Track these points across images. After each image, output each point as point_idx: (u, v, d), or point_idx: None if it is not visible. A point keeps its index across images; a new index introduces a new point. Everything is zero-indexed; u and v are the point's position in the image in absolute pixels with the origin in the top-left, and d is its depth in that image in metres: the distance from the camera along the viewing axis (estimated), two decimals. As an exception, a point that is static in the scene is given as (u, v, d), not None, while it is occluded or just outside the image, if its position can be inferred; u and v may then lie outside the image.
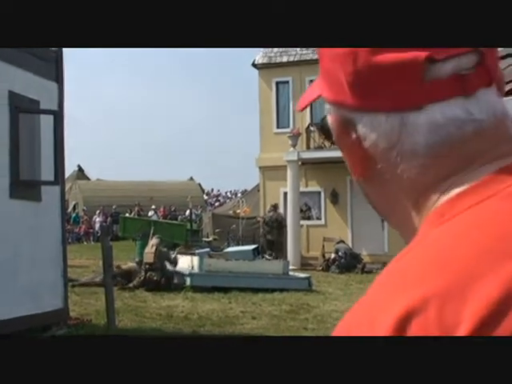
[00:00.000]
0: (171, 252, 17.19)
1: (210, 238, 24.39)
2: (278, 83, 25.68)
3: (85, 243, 35.01)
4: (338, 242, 22.37)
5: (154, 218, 33.78)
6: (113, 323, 10.59)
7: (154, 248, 15.58)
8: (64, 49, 10.72)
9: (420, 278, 0.72)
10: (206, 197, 50.51)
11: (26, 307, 9.38)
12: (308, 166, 24.08)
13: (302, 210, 24.06)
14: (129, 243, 26.65)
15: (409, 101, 0.81)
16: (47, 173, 9.83)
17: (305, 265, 22.49)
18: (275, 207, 23.37)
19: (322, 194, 24.75)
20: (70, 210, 38.17)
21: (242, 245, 21.37)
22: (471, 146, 0.81)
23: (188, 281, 15.75)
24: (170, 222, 31.55)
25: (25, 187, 9.64)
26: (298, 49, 24.45)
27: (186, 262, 16.45)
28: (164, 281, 15.42)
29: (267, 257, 20.08)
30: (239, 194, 46.09)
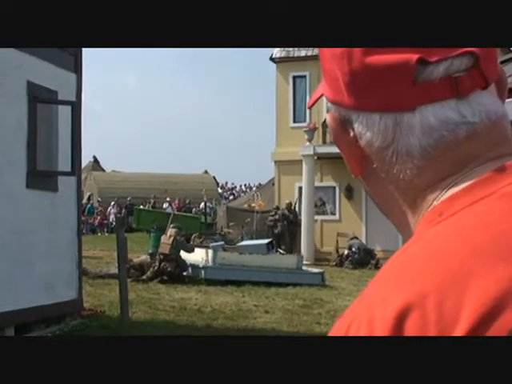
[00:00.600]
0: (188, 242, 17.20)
1: (224, 232, 24.39)
2: (295, 77, 25.62)
3: (99, 234, 35.13)
4: (351, 238, 22.37)
5: (169, 210, 33.81)
6: (126, 315, 10.63)
7: (172, 239, 15.59)
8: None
9: (418, 274, 0.74)
10: (220, 190, 50.55)
11: (42, 297, 9.43)
12: (323, 161, 24.02)
13: (316, 205, 24.03)
14: (143, 235, 26.73)
15: (401, 102, 0.82)
16: (64, 163, 9.86)
17: (318, 260, 22.47)
18: (289, 205, 23.53)
19: (337, 189, 24.68)
20: (84, 200, 38.27)
21: (256, 239, 21.36)
22: (465, 149, 0.82)
23: (202, 273, 15.80)
24: (184, 214, 31.57)
25: (42, 177, 9.68)
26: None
27: (200, 255, 16.48)
28: (178, 272, 15.45)
29: (281, 251, 20.10)
30: (254, 188, 46.10)
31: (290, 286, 15.33)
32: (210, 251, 16.34)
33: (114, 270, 14.55)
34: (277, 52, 25.74)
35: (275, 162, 25.85)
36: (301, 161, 23.33)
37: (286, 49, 25.50)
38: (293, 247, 22.44)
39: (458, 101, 0.81)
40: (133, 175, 46.01)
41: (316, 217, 23.79)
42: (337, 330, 0.77)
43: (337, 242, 23.13)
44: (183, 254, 15.98)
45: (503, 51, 13.90)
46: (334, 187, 24.76)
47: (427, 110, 0.81)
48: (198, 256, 16.49)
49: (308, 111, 24.92)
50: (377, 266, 20.83)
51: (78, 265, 10.59)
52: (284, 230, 23.13)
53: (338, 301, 13.80)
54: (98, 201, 39.78)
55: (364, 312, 0.75)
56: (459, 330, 0.69)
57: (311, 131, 23.26)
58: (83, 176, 34.12)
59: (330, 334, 0.78)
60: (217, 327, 10.74)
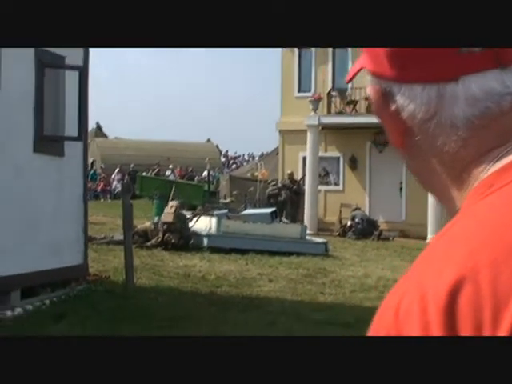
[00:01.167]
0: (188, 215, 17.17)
1: (228, 200, 24.41)
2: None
3: (102, 200, 35.16)
4: (354, 209, 22.41)
5: (171, 177, 33.84)
6: (131, 281, 10.68)
7: (174, 208, 15.60)
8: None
9: (471, 249, 0.73)
10: (223, 159, 50.49)
11: (48, 261, 9.47)
12: (328, 131, 23.97)
13: (320, 176, 24.02)
14: (145, 201, 26.75)
15: (444, 72, 0.81)
16: (71, 129, 9.84)
17: (321, 230, 22.52)
18: (291, 175, 23.58)
19: (341, 160, 24.66)
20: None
21: (259, 208, 21.39)
22: (510, 120, 0.81)
23: (205, 241, 15.82)
24: (187, 182, 31.62)
25: (48, 142, 9.67)
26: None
27: (203, 223, 16.50)
28: (181, 243, 15.46)
29: (285, 220, 20.13)
30: (257, 158, 46.04)
31: (294, 256, 15.37)
32: (214, 219, 16.34)
33: (118, 236, 14.60)
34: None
35: (280, 131, 25.78)
36: (305, 131, 23.27)
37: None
38: (295, 217, 22.48)
39: (501, 71, 0.80)
40: (136, 142, 45.90)
41: (319, 187, 23.79)
42: (385, 309, 0.76)
43: (340, 212, 23.15)
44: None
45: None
46: (338, 158, 24.73)
47: (470, 81, 0.80)
48: (201, 224, 16.51)
49: (313, 81, 24.81)
50: (380, 237, 20.90)
51: (83, 230, 10.61)
52: (286, 200, 23.16)
53: (342, 271, 13.86)
54: (101, 167, 39.75)
55: (415, 289, 0.74)
56: None
57: (316, 101, 23.17)
58: (87, 142, 34.10)
59: (377, 312, 0.77)
60: (221, 294, 10.80)
